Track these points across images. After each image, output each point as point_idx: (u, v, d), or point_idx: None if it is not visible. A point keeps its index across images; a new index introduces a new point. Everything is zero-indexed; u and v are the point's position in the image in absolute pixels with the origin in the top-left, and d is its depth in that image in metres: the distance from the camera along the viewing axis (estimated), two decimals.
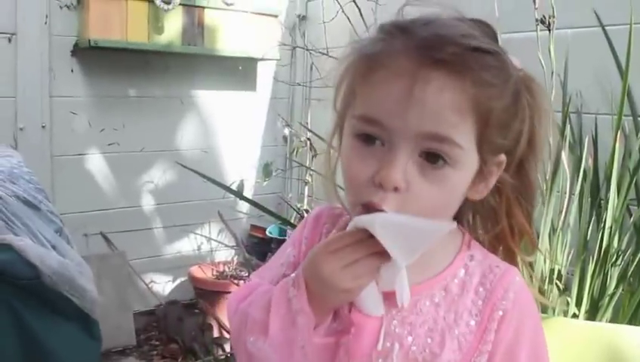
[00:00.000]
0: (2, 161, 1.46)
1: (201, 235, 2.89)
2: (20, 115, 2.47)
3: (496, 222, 0.76)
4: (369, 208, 0.67)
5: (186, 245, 2.95)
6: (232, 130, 2.99)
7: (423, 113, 0.63)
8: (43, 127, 2.53)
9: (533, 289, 0.78)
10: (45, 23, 2.46)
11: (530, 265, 0.82)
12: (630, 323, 1.39)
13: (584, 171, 1.62)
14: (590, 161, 1.69)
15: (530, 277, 0.80)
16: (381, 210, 0.66)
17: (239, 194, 2.21)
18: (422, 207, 0.66)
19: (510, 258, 0.77)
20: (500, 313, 0.70)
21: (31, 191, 1.36)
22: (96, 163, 2.69)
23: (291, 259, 0.81)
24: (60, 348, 1.28)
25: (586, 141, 1.70)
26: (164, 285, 2.92)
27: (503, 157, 0.70)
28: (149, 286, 2.85)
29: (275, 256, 0.85)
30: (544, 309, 1.39)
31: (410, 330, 0.71)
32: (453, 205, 0.71)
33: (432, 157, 0.65)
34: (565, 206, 1.56)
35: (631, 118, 1.79)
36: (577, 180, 1.60)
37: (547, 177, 1.45)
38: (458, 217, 0.75)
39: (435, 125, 0.64)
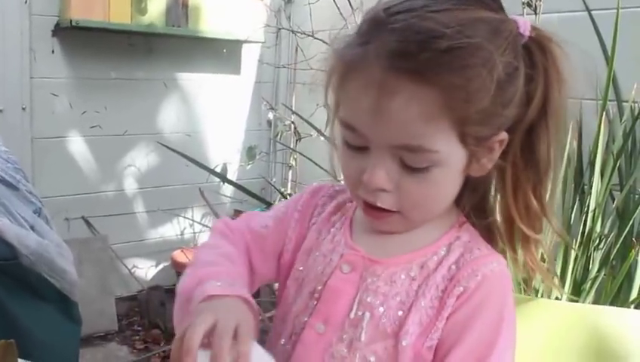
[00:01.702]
0: None
1: (185, 217, 2.87)
2: None
3: (505, 202, 0.73)
4: (369, 205, 0.70)
5: (168, 230, 2.93)
6: (216, 114, 2.97)
7: (390, 126, 0.64)
8: (23, 108, 2.49)
9: (543, 270, 0.77)
10: (25, 2, 2.42)
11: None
12: (612, 305, 1.40)
13: (568, 156, 1.62)
14: (575, 144, 1.69)
15: (543, 259, 0.76)
16: (379, 208, 0.69)
17: (223, 176, 2.20)
18: (416, 202, 0.69)
19: (523, 237, 0.73)
20: (461, 289, 0.69)
21: (9, 171, 1.33)
22: (77, 146, 2.66)
23: (279, 214, 0.83)
24: (39, 330, 1.26)
25: (571, 126, 1.71)
26: (146, 270, 2.90)
27: (503, 135, 0.68)
28: (132, 271, 2.83)
29: (268, 210, 0.87)
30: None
31: (383, 301, 0.71)
32: (449, 194, 0.72)
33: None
34: (549, 190, 1.57)
35: (615, 102, 1.80)
36: (561, 165, 1.60)
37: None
38: (459, 200, 0.75)
39: (404, 137, 0.64)
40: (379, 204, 0.69)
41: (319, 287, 0.75)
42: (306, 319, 0.74)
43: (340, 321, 0.72)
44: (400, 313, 0.70)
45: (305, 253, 0.79)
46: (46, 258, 1.27)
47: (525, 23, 0.69)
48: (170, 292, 2.84)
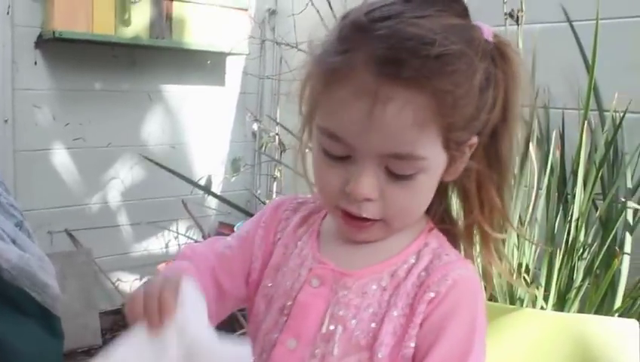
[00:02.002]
0: None
1: (170, 230, 2.85)
2: None
3: (468, 203, 0.75)
4: (350, 215, 0.69)
5: (153, 243, 2.90)
6: (201, 126, 2.96)
7: (382, 135, 0.64)
8: (5, 121, 2.47)
9: (503, 268, 0.78)
10: (7, 13, 2.40)
11: (503, 243, 0.79)
12: (596, 314, 1.41)
13: (551, 166, 1.64)
14: (557, 154, 1.71)
15: (500, 258, 0.77)
16: (362, 218, 0.69)
17: (207, 189, 2.19)
18: (400, 209, 0.69)
19: (484, 238, 0.75)
20: (432, 294, 0.68)
21: None
22: (60, 158, 2.63)
23: (243, 234, 0.82)
24: (20, 344, 1.24)
25: (554, 135, 1.72)
26: (130, 283, 2.87)
27: (474, 139, 0.70)
28: (116, 284, 2.80)
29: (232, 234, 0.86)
30: (512, 301, 1.40)
31: (355, 313, 0.70)
32: (428, 199, 0.72)
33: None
34: (533, 200, 1.58)
35: (597, 112, 1.82)
36: (545, 175, 1.61)
37: (515, 171, 1.46)
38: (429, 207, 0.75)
39: (395, 146, 0.64)
40: (364, 215, 0.68)
41: (289, 303, 0.73)
42: (276, 336, 0.73)
43: (312, 336, 0.71)
44: (373, 324, 0.69)
45: (273, 269, 0.78)
46: (27, 272, 1.26)
47: (488, 29, 0.70)
48: None
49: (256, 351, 0.75)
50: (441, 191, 0.75)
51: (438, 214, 0.78)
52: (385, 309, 0.69)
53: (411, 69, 0.61)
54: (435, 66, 0.62)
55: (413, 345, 0.68)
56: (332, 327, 0.70)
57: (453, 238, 0.77)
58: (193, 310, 0.63)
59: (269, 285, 0.77)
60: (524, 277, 1.49)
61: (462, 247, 0.78)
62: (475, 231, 0.76)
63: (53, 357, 1.37)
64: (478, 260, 0.79)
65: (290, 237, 0.79)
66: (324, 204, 0.75)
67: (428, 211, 0.76)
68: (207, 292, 0.73)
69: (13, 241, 1.27)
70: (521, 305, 1.44)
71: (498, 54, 0.69)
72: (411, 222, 0.73)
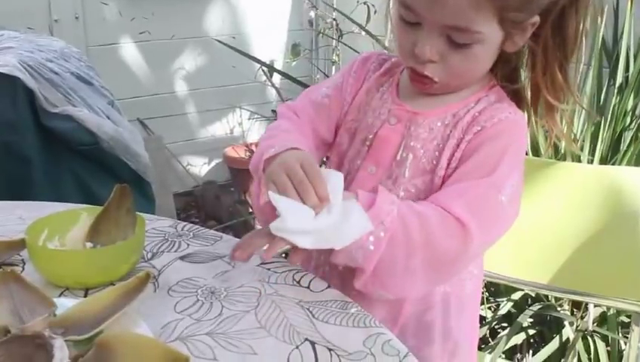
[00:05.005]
0: (53, 42, 1.57)
1: (244, 108, 2.95)
2: (53, 7, 2.54)
3: (534, 74, 0.85)
4: (416, 73, 0.82)
5: (218, 128, 3.07)
6: (259, 16, 3.02)
7: (444, 10, 0.75)
8: (76, 17, 2.60)
9: (565, 134, 0.90)
10: None
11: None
12: None
13: (603, 38, 1.68)
14: (602, 26, 1.73)
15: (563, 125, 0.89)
16: (424, 75, 0.81)
17: (271, 66, 2.30)
18: (456, 73, 0.82)
19: (548, 106, 0.87)
20: (478, 128, 0.83)
21: (83, 68, 1.47)
22: (129, 52, 2.77)
23: (338, 82, 0.96)
24: None
25: (606, 9, 1.74)
26: (200, 167, 3.07)
27: (535, 18, 0.79)
28: (186, 168, 3.01)
29: (323, 81, 1.00)
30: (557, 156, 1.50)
31: (423, 144, 0.86)
32: (485, 66, 0.84)
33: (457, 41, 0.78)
34: (581, 73, 1.64)
35: None
36: (596, 47, 1.66)
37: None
38: (493, 69, 0.87)
39: (454, 20, 0.76)
40: (426, 73, 0.82)
41: (370, 136, 0.89)
42: (359, 162, 0.90)
43: (388, 163, 0.87)
44: (436, 153, 0.85)
45: (356, 108, 0.93)
46: (122, 143, 1.43)
47: None
48: (224, 186, 3.02)
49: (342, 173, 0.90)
50: (504, 58, 0.86)
51: (499, 76, 0.89)
52: (445, 140, 0.85)
53: None
54: None
55: (455, 165, 0.83)
56: (404, 155, 0.86)
57: (514, 98, 0.89)
58: (334, 183, 0.77)
59: (351, 120, 0.93)
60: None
61: (524, 108, 0.89)
62: (540, 100, 0.87)
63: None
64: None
65: (373, 83, 0.94)
66: (401, 59, 0.88)
67: (491, 72, 0.88)
68: (307, 140, 0.89)
69: (108, 117, 1.44)
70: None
71: None
72: (467, 85, 0.86)
